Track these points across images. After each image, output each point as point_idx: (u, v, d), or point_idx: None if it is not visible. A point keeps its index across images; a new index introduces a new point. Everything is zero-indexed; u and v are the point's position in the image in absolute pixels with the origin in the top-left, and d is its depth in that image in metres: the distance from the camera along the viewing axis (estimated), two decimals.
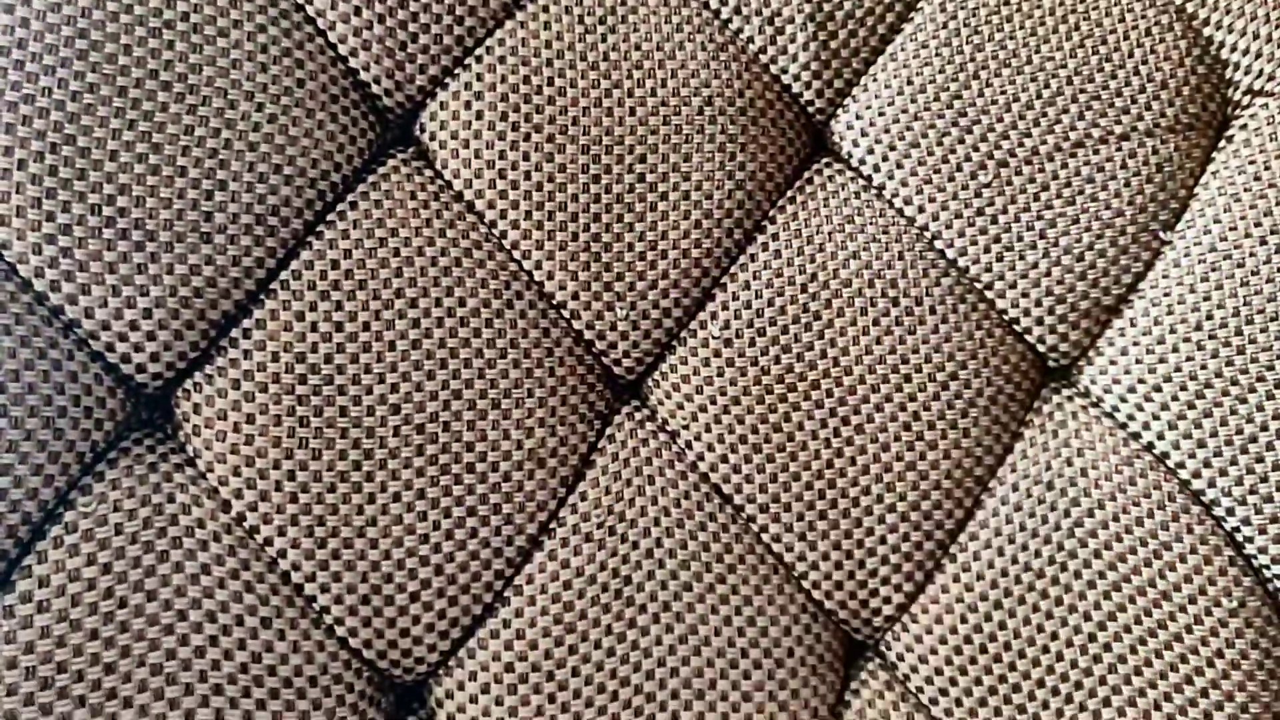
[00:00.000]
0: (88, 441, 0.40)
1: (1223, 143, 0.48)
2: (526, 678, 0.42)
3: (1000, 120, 0.47)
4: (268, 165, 0.43)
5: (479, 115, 0.45)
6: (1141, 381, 0.46)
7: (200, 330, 0.41)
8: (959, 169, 0.47)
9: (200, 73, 0.42)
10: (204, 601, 0.40)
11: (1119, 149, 0.47)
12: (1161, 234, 0.47)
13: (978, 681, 0.44)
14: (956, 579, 0.45)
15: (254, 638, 0.40)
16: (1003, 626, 0.44)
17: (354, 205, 0.44)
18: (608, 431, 0.45)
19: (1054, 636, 0.44)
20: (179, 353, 0.41)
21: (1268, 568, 0.44)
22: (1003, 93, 0.47)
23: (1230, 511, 0.44)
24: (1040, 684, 0.43)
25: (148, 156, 0.41)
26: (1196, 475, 0.45)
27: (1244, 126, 0.48)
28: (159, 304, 0.41)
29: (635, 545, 0.43)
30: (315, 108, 0.44)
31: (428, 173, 0.45)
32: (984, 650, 0.44)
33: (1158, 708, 0.43)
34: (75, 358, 0.40)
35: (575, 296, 0.45)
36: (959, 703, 0.44)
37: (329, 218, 0.43)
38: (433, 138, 0.45)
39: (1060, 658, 0.44)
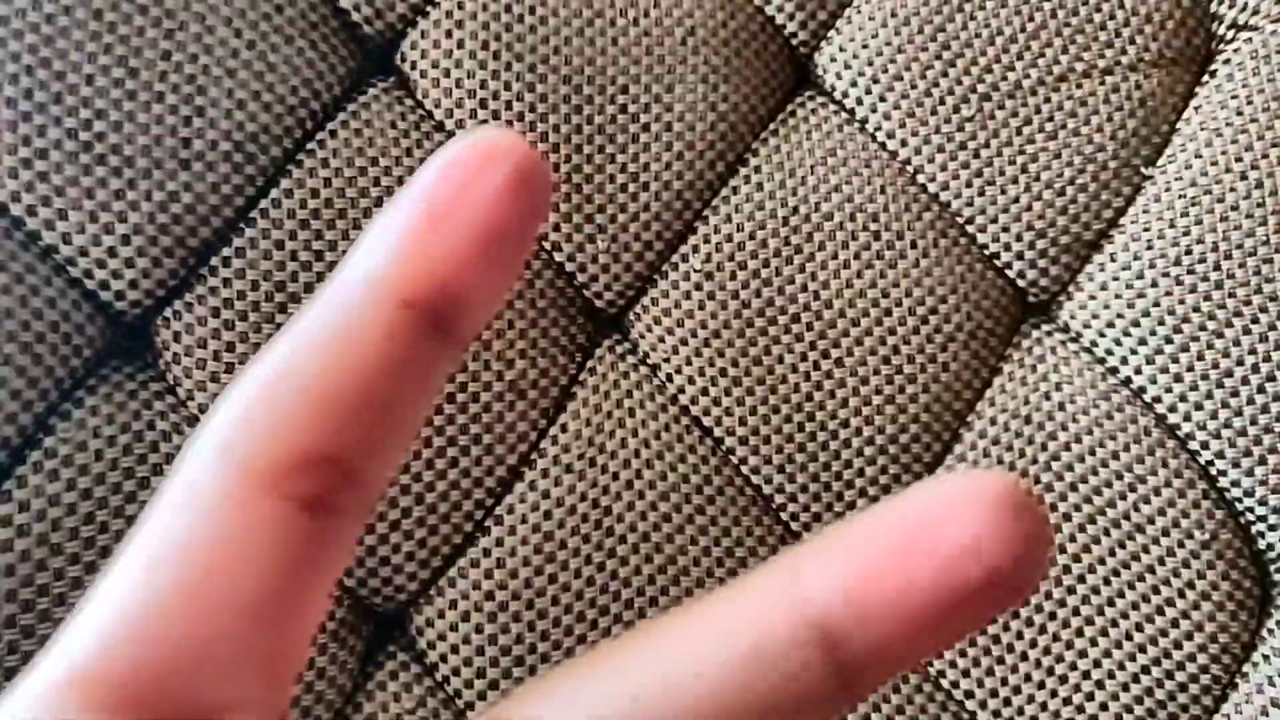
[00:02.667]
0: (66, 368, 0.40)
1: (1205, 77, 0.48)
2: (506, 606, 0.42)
3: (984, 54, 0.47)
4: (246, 92, 0.42)
5: (460, 44, 0.45)
6: (1120, 316, 0.46)
7: (179, 257, 0.41)
8: (942, 103, 0.47)
9: None
10: None
11: (1102, 83, 0.47)
12: (1143, 169, 0.47)
13: None
14: None
15: None
16: None
17: (333, 134, 0.43)
18: (589, 364, 0.45)
19: None
20: (158, 280, 0.41)
21: (1240, 501, 0.45)
22: (987, 26, 0.47)
23: (1205, 445, 0.45)
24: (1014, 614, 0.44)
25: (124, 82, 0.41)
26: (1173, 410, 0.45)
27: (1227, 61, 0.48)
28: (137, 230, 0.40)
29: (615, 477, 0.44)
30: (294, 35, 0.43)
31: (408, 102, 0.45)
32: None
33: (1129, 637, 0.44)
34: (53, 283, 0.40)
35: (556, 228, 0.45)
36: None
37: (308, 146, 0.43)
38: (413, 67, 0.45)
39: (1035, 590, 0.44)
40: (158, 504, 0.13)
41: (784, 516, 0.45)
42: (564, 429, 0.44)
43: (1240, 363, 0.44)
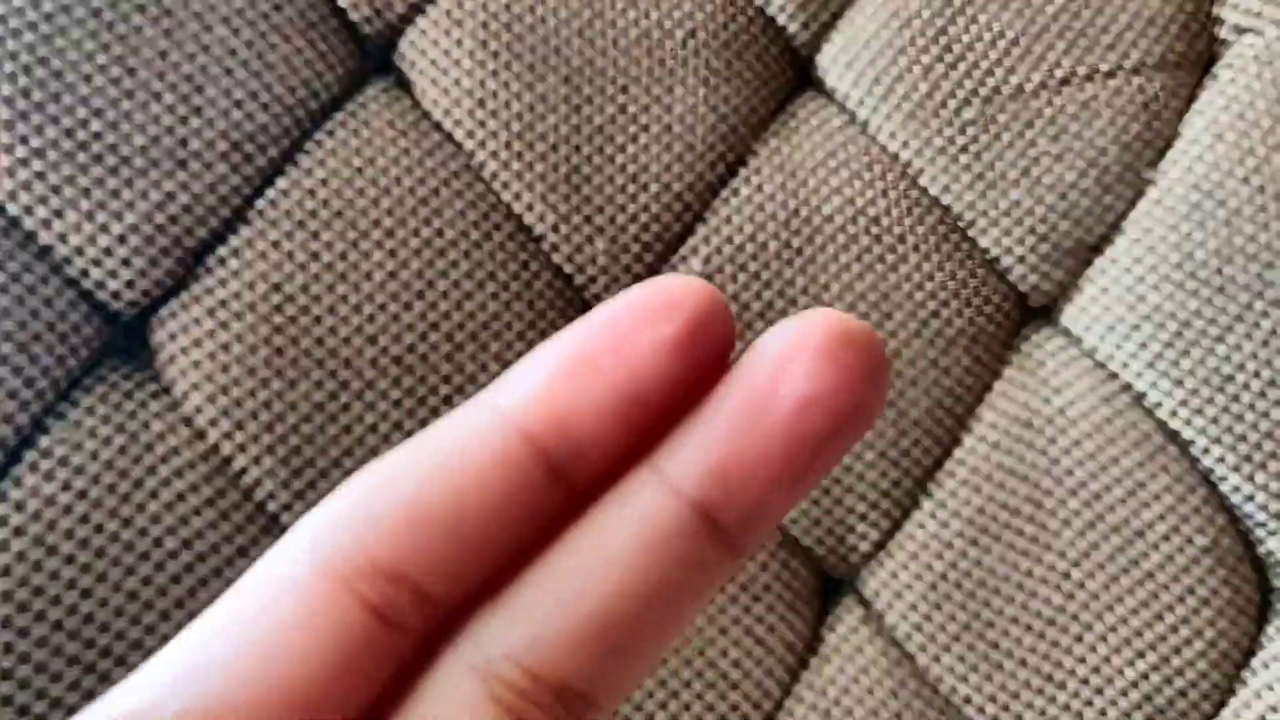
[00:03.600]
0: (62, 368, 0.40)
1: (1208, 80, 0.48)
2: None
3: (986, 57, 0.47)
4: (243, 92, 0.42)
5: (459, 44, 0.44)
6: (1121, 321, 0.46)
7: (175, 257, 0.41)
8: (943, 105, 0.46)
9: None
10: (179, 529, 0.40)
11: (1104, 87, 0.47)
12: (1145, 173, 0.47)
13: (952, 618, 0.44)
14: (933, 516, 0.45)
15: (229, 566, 0.40)
16: (978, 564, 0.44)
17: (331, 133, 0.43)
18: None
19: (1028, 574, 0.44)
20: (154, 280, 0.41)
21: (1240, 507, 0.44)
22: (989, 28, 0.47)
23: (1206, 451, 0.44)
24: (1014, 621, 0.44)
25: (121, 80, 0.40)
26: (1173, 414, 0.45)
27: (1230, 65, 0.47)
28: (133, 230, 0.40)
29: None
30: (292, 34, 0.43)
31: (406, 101, 0.45)
32: (959, 587, 0.44)
33: (1129, 643, 0.43)
34: (49, 283, 0.40)
35: (555, 229, 0.44)
36: (933, 639, 0.44)
37: (306, 146, 0.43)
38: (412, 66, 0.45)
39: (1034, 594, 0.44)
40: (243, 579, 0.14)
41: (783, 522, 0.45)
42: None
43: (1242, 368, 0.44)
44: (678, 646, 0.43)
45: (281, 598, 0.14)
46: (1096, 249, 0.47)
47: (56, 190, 0.39)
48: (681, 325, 0.14)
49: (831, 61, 0.48)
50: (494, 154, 0.44)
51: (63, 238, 0.40)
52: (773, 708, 0.44)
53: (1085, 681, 0.43)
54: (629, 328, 0.14)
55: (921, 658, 0.44)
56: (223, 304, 0.41)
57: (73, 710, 0.38)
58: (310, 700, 0.13)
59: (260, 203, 0.42)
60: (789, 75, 0.48)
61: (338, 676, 0.14)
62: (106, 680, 0.38)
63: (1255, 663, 0.44)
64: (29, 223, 0.39)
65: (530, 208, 0.44)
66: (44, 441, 0.39)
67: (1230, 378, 0.44)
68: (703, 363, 0.14)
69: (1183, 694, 0.43)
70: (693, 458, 0.14)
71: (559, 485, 0.14)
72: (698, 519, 0.14)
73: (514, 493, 0.14)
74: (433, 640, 0.15)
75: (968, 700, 0.44)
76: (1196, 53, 0.48)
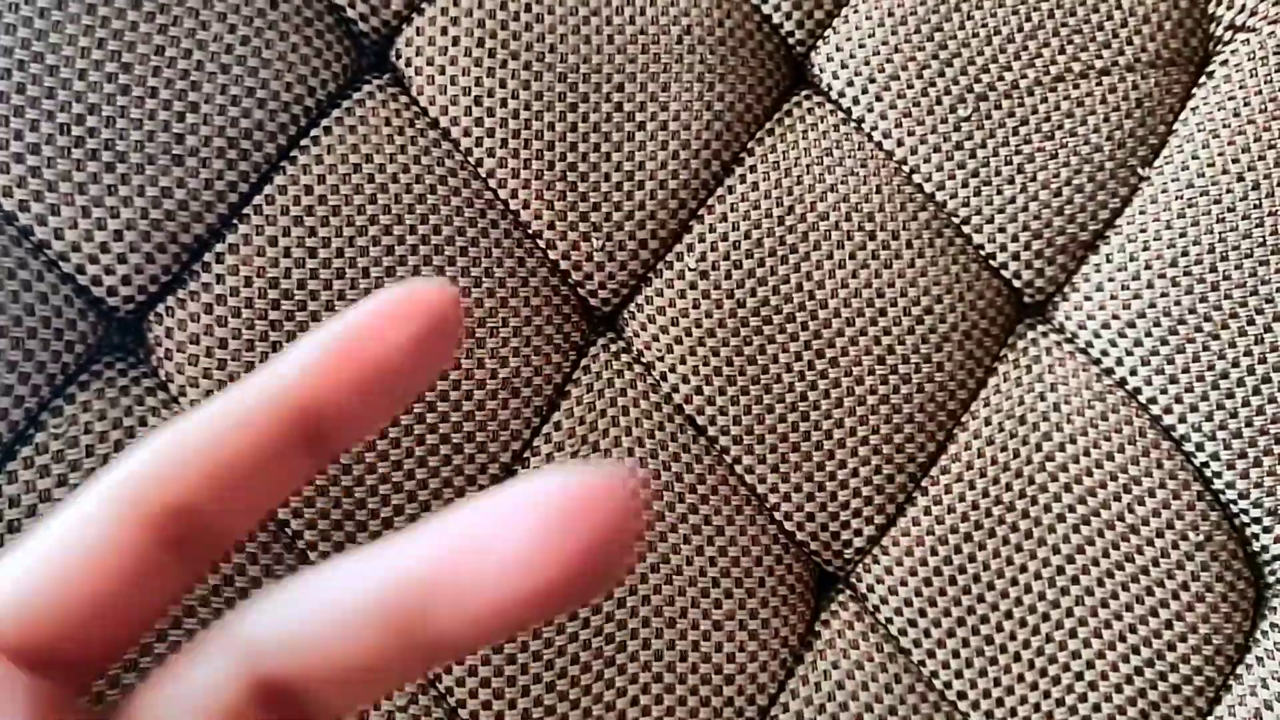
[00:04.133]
0: (58, 364, 0.40)
1: (1203, 78, 0.48)
2: None
3: (980, 54, 0.47)
4: (240, 88, 0.42)
5: (455, 41, 0.45)
6: (1115, 317, 0.46)
7: (172, 254, 0.41)
8: (938, 102, 0.47)
9: None
10: None
11: (1099, 84, 0.47)
12: (1140, 170, 0.47)
13: (946, 613, 0.44)
14: (928, 512, 0.45)
15: (226, 560, 0.40)
16: (972, 559, 0.44)
17: (328, 130, 0.43)
18: (583, 363, 0.45)
19: (1023, 569, 0.44)
20: (151, 276, 0.41)
21: (1235, 503, 0.44)
22: (984, 25, 0.47)
23: (1200, 447, 0.45)
24: (1008, 615, 0.44)
25: (118, 76, 0.40)
26: (1168, 411, 0.45)
27: (1224, 62, 0.48)
28: (130, 226, 0.40)
29: None
30: (289, 31, 0.43)
31: (403, 99, 0.45)
32: (953, 582, 0.44)
33: (1123, 639, 0.44)
34: (45, 279, 0.40)
35: (551, 226, 0.45)
36: (928, 634, 0.44)
37: (303, 143, 0.43)
38: (408, 64, 0.45)
39: (1029, 590, 0.44)
40: (54, 517, 0.17)
41: (777, 516, 0.45)
42: (557, 427, 0.44)
43: (1236, 364, 0.44)
44: (674, 640, 0.43)
45: (85, 528, 0.16)
46: (1091, 246, 0.47)
47: (53, 186, 0.39)
48: (422, 325, 0.17)
49: (827, 59, 0.48)
50: (490, 151, 0.44)
51: (59, 234, 0.40)
52: (768, 702, 0.44)
53: (1080, 676, 0.43)
54: (384, 323, 0.17)
55: (916, 652, 0.44)
56: (220, 300, 0.41)
57: None
58: (106, 611, 0.17)
59: (257, 199, 0.42)
60: (784, 73, 0.49)
61: (132, 593, 0.17)
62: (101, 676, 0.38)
63: (1249, 658, 0.44)
64: (25, 219, 0.39)
65: (527, 205, 0.44)
66: (40, 437, 0.39)
67: (1224, 374, 0.44)
68: (433, 351, 0.17)
69: (1177, 689, 0.43)
70: (416, 578, 0.16)
71: (312, 447, 0.17)
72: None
73: (281, 449, 0.17)
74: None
75: (962, 695, 0.44)
76: (1191, 50, 0.48)
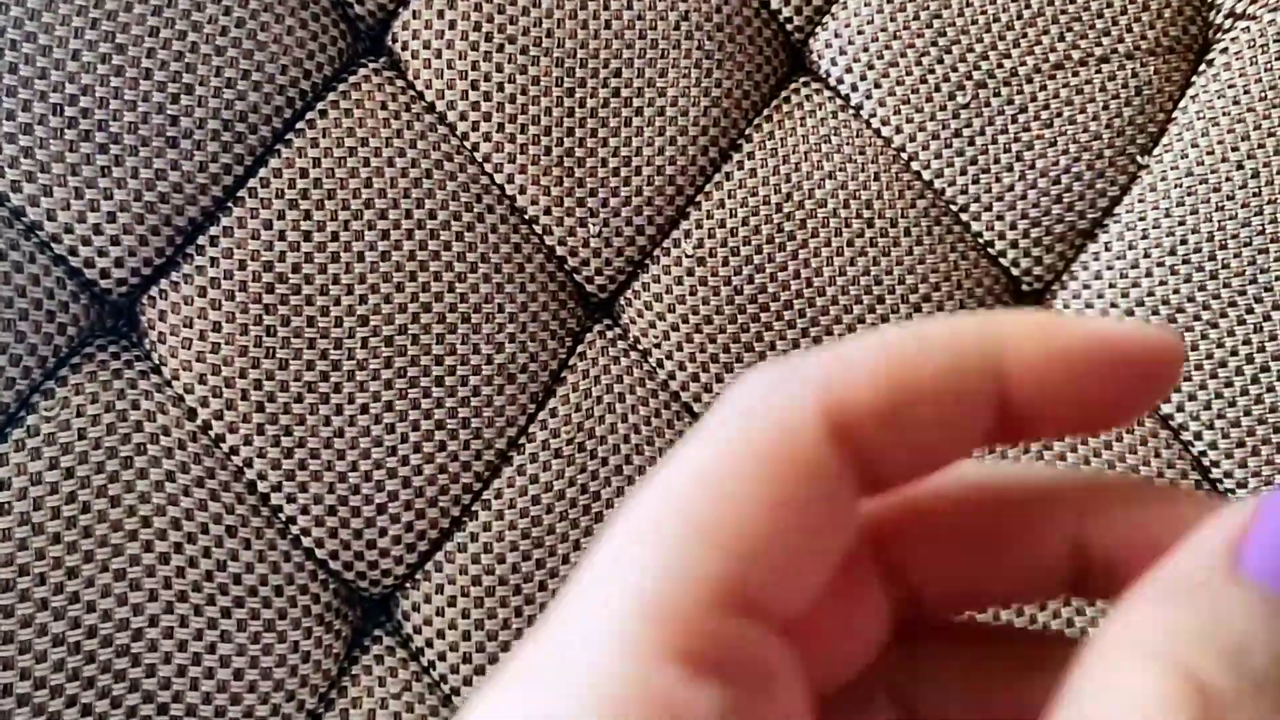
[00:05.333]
0: (50, 346, 0.40)
1: (1202, 66, 0.48)
2: (493, 591, 0.42)
3: (979, 41, 0.47)
4: (235, 71, 0.42)
5: (451, 25, 0.44)
6: (1114, 306, 0.46)
7: (166, 236, 0.41)
8: (937, 89, 0.46)
9: None
10: (168, 509, 0.40)
11: (1098, 71, 0.47)
12: (1139, 158, 0.47)
13: None
14: None
15: (219, 546, 0.40)
16: None
17: (323, 114, 0.43)
18: (579, 349, 0.45)
19: None
20: (144, 259, 0.41)
21: (1232, 492, 0.44)
22: (983, 12, 0.47)
23: (1198, 436, 0.44)
24: (1001, 608, 0.44)
25: (111, 58, 0.40)
26: (1165, 401, 0.45)
27: (1224, 50, 0.47)
28: (123, 208, 0.40)
29: (604, 462, 0.43)
30: (285, 13, 0.43)
31: (399, 83, 0.45)
32: None
33: None
34: (38, 261, 0.40)
35: (547, 211, 0.44)
36: None
37: (298, 126, 0.43)
38: (404, 47, 0.45)
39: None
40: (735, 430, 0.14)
41: None
42: (553, 413, 0.44)
43: (1234, 353, 0.44)
44: None
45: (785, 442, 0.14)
46: (1090, 234, 0.47)
47: (45, 168, 0.39)
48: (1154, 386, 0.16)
49: (825, 46, 0.48)
50: (487, 136, 0.44)
51: (51, 215, 0.39)
52: None
53: None
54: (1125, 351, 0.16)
55: None
56: (213, 283, 0.41)
57: (57, 691, 0.37)
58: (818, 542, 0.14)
59: (252, 182, 0.42)
60: (782, 60, 0.48)
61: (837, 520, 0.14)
62: (92, 661, 0.38)
63: None
64: (17, 200, 0.39)
65: (523, 190, 0.44)
66: (31, 419, 0.38)
67: (1223, 363, 0.44)
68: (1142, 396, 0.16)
69: None
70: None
71: (1001, 417, 0.15)
72: None
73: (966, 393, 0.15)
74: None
75: None
76: (1190, 38, 0.48)
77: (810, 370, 0.14)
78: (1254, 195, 0.45)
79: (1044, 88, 0.46)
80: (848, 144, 0.47)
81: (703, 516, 0.13)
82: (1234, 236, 0.45)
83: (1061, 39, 0.47)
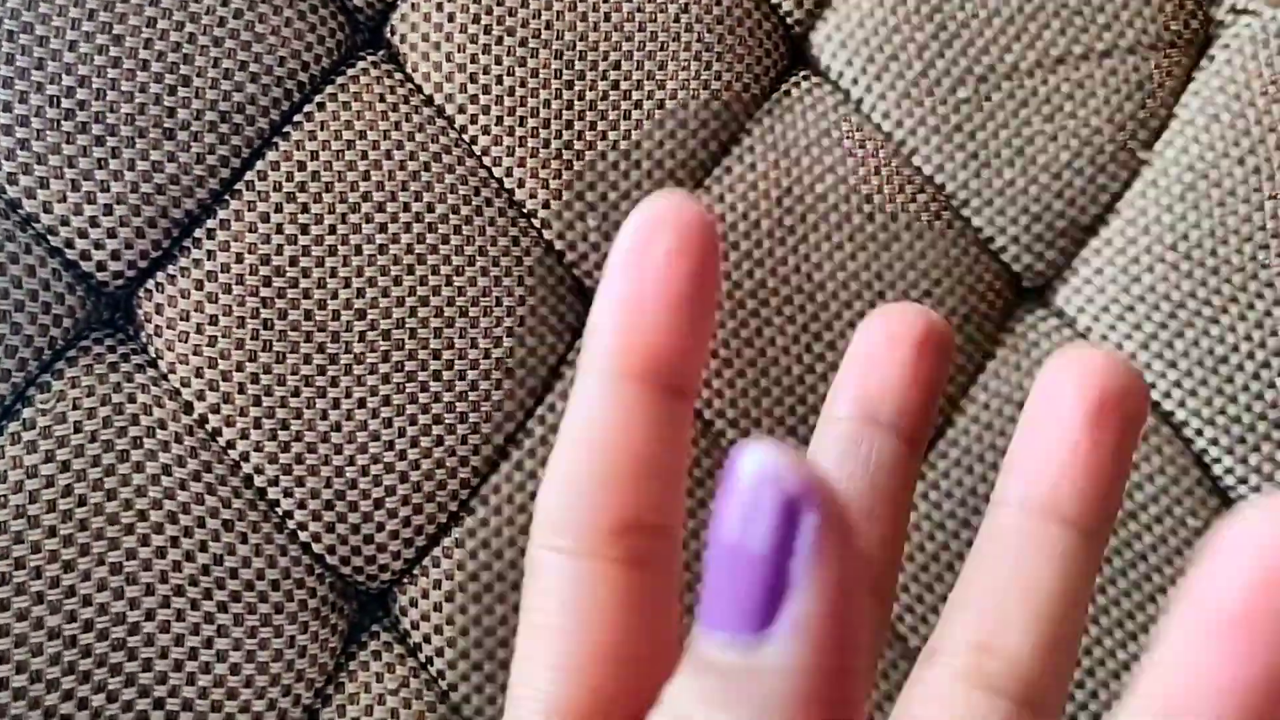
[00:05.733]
0: (46, 338, 0.39)
1: (1204, 61, 0.48)
2: (491, 587, 0.42)
3: (981, 35, 0.46)
4: (233, 62, 0.42)
5: (450, 18, 0.44)
6: (1115, 301, 0.45)
7: (162, 229, 0.41)
8: (938, 84, 0.46)
9: None
10: (165, 503, 0.39)
11: (1100, 66, 0.47)
12: (1140, 153, 0.47)
13: (943, 600, 0.44)
14: (925, 497, 0.45)
15: (215, 540, 0.40)
16: (969, 545, 0.44)
17: (321, 106, 0.43)
18: (577, 344, 0.45)
19: None
20: (140, 251, 0.40)
21: (1233, 489, 0.44)
22: (984, 6, 0.47)
23: (1199, 432, 0.44)
24: None
25: (108, 49, 0.40)
26: (1167, 395, 0.45)
27: (1226, 45, 0.47)
28: (119, 200, 0.40)
29: None
30: (283, 5, 0.43)
31: (398, 76, 0.44)
32: (950, 568, 0.44)
33: (1120, 625, 0.43)
34: (33, 253, 0.39)
35: (546, 205, 0.44)
36: (924, 620, 0.44)
37: (296, 119, 0.43)
38: (403, 40, 0.45)
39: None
40: (529, 587, 0.18)
41: None
42: (552, 409, 0.43)
43: (1235, 349, 0.44)
44: None
45: (570, 583, 0.17)
46: (1091, 230, 0.47)
47: (41, 159, 0.39)
48: (672, 239, 0.18)
49: (825, 39, 0.48)
50: (485, 129, 0.44)
51: (47, 207, 0.39)
52: None
53: (1076, 663, 0.43)
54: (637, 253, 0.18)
55: (909, 637, 0.44)
56: (211, 276, 0.41)
57: (53, 685, 0.37)
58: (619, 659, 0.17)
59: (249, 175, 0.41)
60: (782, 53, 0.48)
61: (634, 634, 0.17)
62: (88, 655, 0.38)
63: None
64: (12, 191, 0.39)
65: (522, 184, 0.44)
66: (26, 413, 0.38)
67: (1224, 359, 0.44)
68: (698, 265, 0.18)
69: None
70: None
71: (679, 399, 0.18)
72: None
73: (665, 424, 0.18)
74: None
75: None
76: (1192, 33, 0.48)
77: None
78: (1255, 190, 0.45)
79: (1045, 82, 0.46)
80: (848, 138, 0.46)
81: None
82: (1235, 231, 0.44)
83: (1063, 33, 0.47)
